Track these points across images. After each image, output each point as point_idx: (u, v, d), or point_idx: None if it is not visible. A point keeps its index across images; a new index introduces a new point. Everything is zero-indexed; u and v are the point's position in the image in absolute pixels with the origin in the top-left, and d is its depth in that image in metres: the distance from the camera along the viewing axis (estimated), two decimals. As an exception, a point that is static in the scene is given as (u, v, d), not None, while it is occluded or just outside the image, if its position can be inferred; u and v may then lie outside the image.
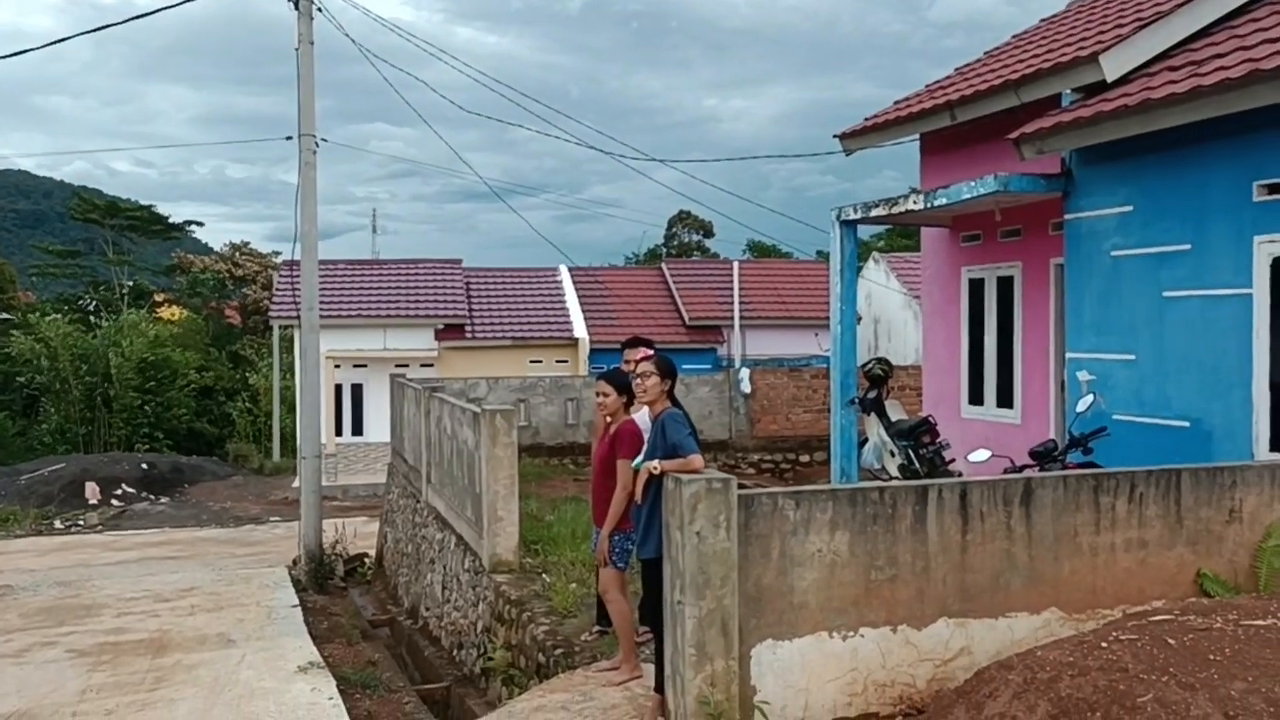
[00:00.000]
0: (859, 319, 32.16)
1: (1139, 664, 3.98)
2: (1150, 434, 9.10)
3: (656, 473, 5.74)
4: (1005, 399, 12.12)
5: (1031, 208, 11.40)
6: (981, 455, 8.07)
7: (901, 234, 52.11)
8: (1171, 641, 4.22)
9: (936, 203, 10.80)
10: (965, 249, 12.80)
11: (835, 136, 13.73)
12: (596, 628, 7.94)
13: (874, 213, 11.82)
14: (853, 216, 12.24)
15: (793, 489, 5.74)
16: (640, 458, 6.17)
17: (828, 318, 31.51)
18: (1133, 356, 9.42)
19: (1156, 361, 9.17)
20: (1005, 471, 7.95)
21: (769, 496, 5.64)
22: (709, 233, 62.64)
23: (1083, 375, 9.99)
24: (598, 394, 7.04)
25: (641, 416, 7.18)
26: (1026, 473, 7.98)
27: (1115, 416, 9.59)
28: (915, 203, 11.09)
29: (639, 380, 6.19)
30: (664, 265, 34.15)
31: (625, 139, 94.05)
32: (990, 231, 12.30)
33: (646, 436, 7.07)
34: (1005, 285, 12.12)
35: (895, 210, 11.45)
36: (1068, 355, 10.21)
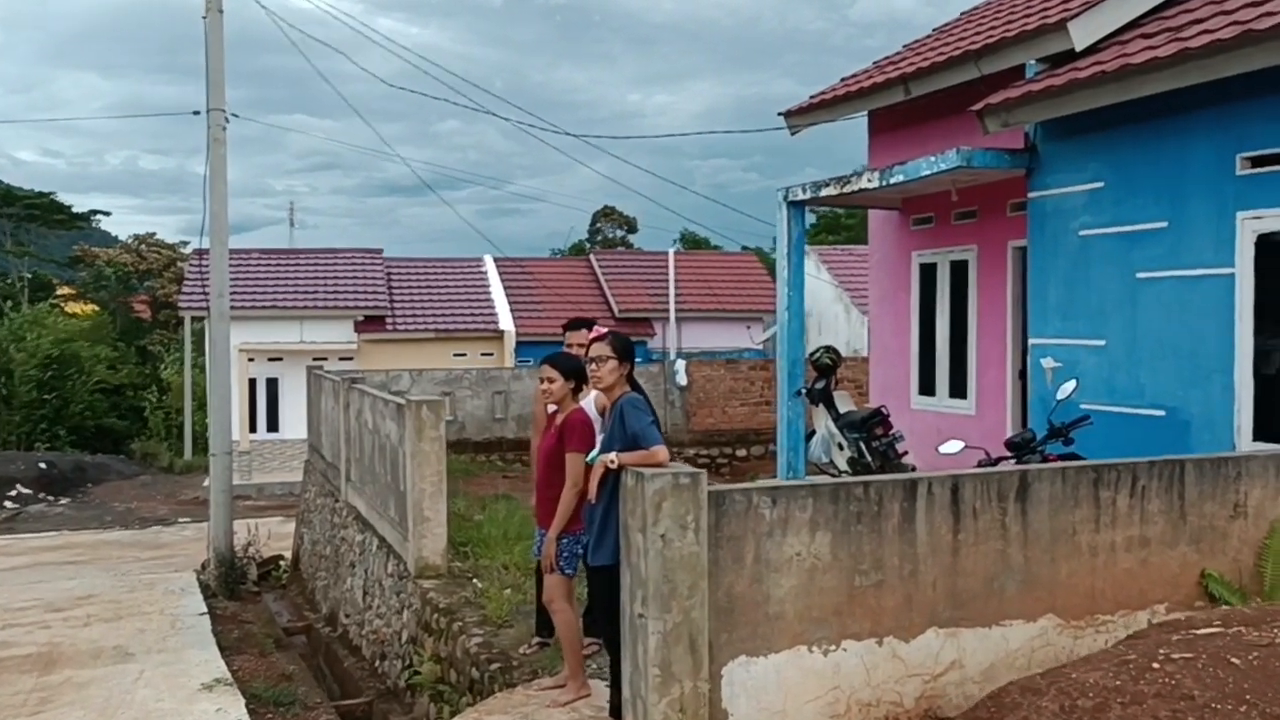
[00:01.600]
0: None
1: (1205, 689, 3.37)
2: (1122, 424, 8.59)
3: (614, 467, 5.00)
4: (958, 389, 11.60)
5: (989, 188, 10.87)
6: (954, 446, 7.49)
7: (828, 229, 52.09)
8: (1235, 661, 3.61)
9: (893, 180, 10.20)
10: (916, 232, 12.25)
11: (780, 114, 13.11)
12: (536, 639, 7.17)
13: (824, 192, 11.20)
14: (801, 197, 11.61)
15: (769, 484, 5.04)
16: (595, 450, 5.42)
17: (760, 310, 31.21)
18: (1102, 342, 8.91)
19: (1129, 347, 8.67)
20: (980, 464, 7.37)
21: (742, 494, 4.93)
22: (633, 228, 62.27)
23: (1047, 363, 9.47)
24: (541, 380, 6.27)
25: (588, 404, 6.44)
26: (1002, 465, 7.41)
27: (1083, 405, 9.06)
28: (870, 180, 10.49)
29: (594, 365, 5.44)
30: (592, 256, 33.40)
31: (545, 142, 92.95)
32: (943, 214, 11.76)
33: (597, 427, 6.35)
34: (959, 270, 11.60)
35: (848, 189, 10.84)
36: (1031, 342, 9.68)
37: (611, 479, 5.10)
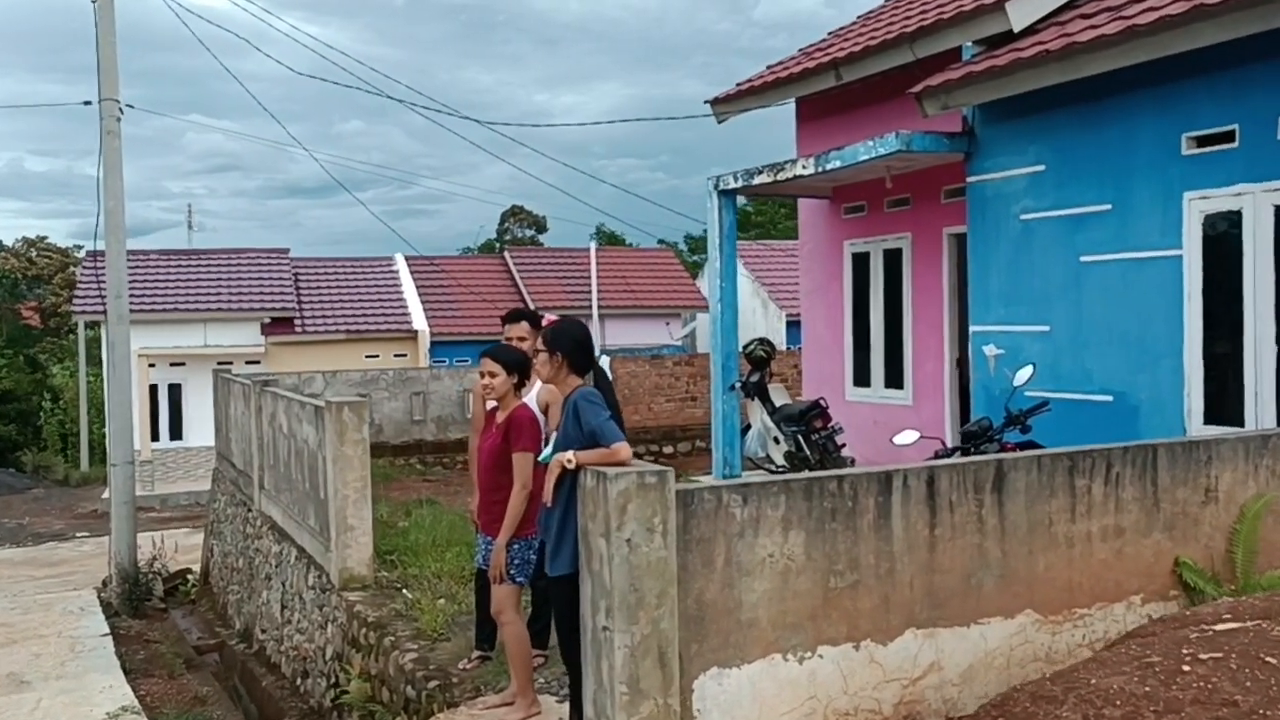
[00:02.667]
0: (706, 307, 31.71)
1: (1247, 694, 3.09)
2: (1069, 411, 8.43)
3: (571, 467, 4.58)
4: (894, 379, 11.41)
5: (922, 174, 10.70)
6: (909, 437, 7.24)
7: (740, 225, 52.26)
8: (1271, 660, 3.34)
9: (829, 166, 9.94)
10: (848, 221, 12.04)
11: (706, 103, 12.79)
12: (477, 653, 6.71)
13: (757, 180, 10.90)
14: (732, 185, 11.30)
15: (739, 481, 4.67)
16: (548, 449, 4.99)
17: (678, 306, 30.94)
18: (1046, 328, 8.76)
19: (1074, 332, 8.52)
20: (936, 454, 7.11)
21: (711, 492, 4.56)
22: (542, 227, 61.88)
23: (989, 350, 9.30)
24: (482, 374, 5.82)
25: (529, 400, 6.02)
26: (958, 455, 7.18)
27: (1028, 393, 8.89)
28: (805, 167, 10.21)
29: (540, 361, 5.01)
30: (507, 253, 32.81)
31: (456, 134, 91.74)
32: (875, 202, 11.56)
33: (541, 423, 5.93)
34: (893, 258, 11.41)
35: (782, 176, 10.55)
36: (972, 329, 9.50)
37: (568, 480, 4.69)
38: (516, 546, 5.68)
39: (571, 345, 5.00)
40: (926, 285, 10.93)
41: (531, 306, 29.44)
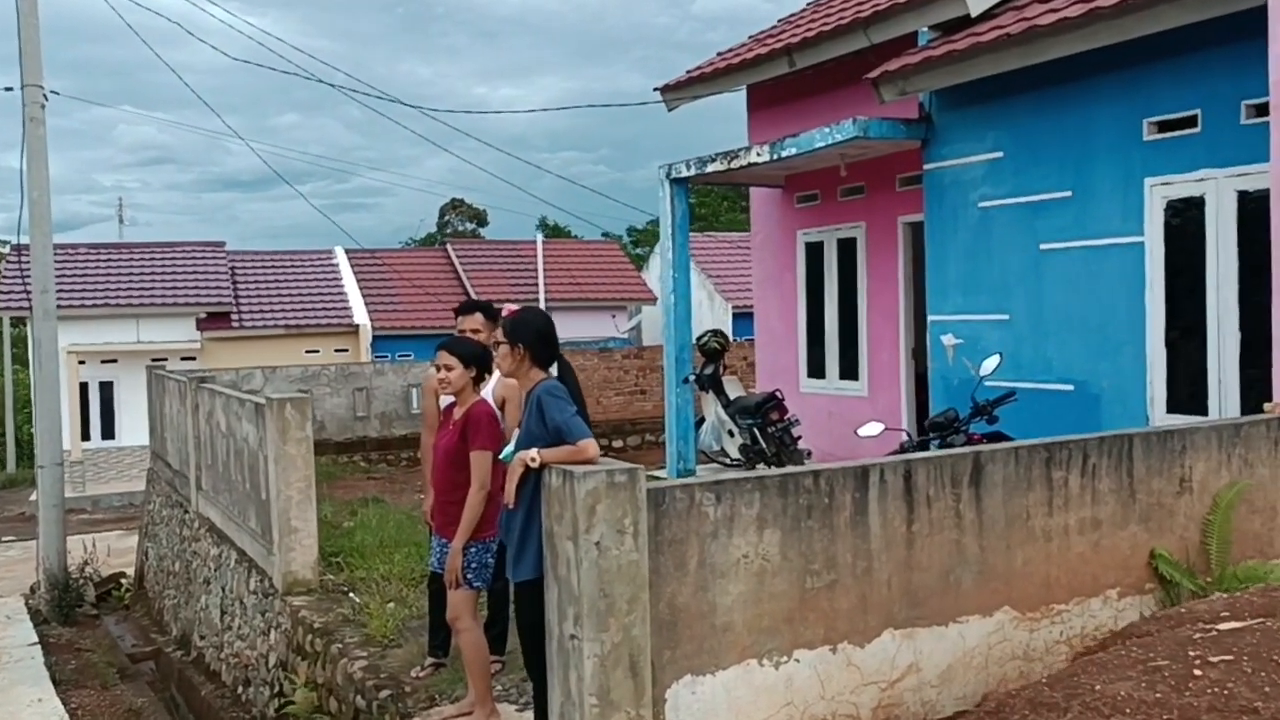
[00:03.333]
0: (653, 300, 31.51)
1: (1268, 700, 2.92)
2: (1030, 400, 8.30)
3: (535, 466, 4.31)
4: (849, 370, 11.27)
5: (877, 162, 10.56)
6: (874, 429, 7.06)
7: (698, 216, 51.86)
8: (1281, 660, 3.19)
9: (785, 153, 9.75)
10: (800, 210, 11.87)
11: (657, 89, 12.56)
12: (430, 660, 6.42)
13: (710, 168, 10.69)
14: (684, 174, 11.07)
15: (712, 478, 4.44)
16: (510, 447, 4.71)
17: (624, 299, 30.66)
18: (1006, 316, 8.65)
19: (1034, 320, 8.42)
20: (902, 447, 6.95)
21: (684, 490, 4.32)
22: (482, 221, 61.33)
23: (947, 339, 9.18)
24: (438, 368, 5.53)
25: (486, 394, 5.74)
26: (932, 447, 7.02)
27: (988, 383, 8.78)
28: (760, 155, 10.01)
29: (500, 354, 4.74)
30: (449, 246, 32.30)
31: (394, 126, 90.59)
32: (829, 191, 11.41)
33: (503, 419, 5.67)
34: (847, 248, 11.26)
35: (736, 164, 10.34)
36: (930, 318, 9.37)
37: (532, 480, 4.42)
38: (474, 550, 5.40)
39: (534, 336, 4.72)
40: (881, 275, 10.80)
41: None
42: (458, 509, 5.41)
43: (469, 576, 5.39)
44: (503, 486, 5.71)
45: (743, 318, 28.52)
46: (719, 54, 12.43)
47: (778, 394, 10.60)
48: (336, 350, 27.15)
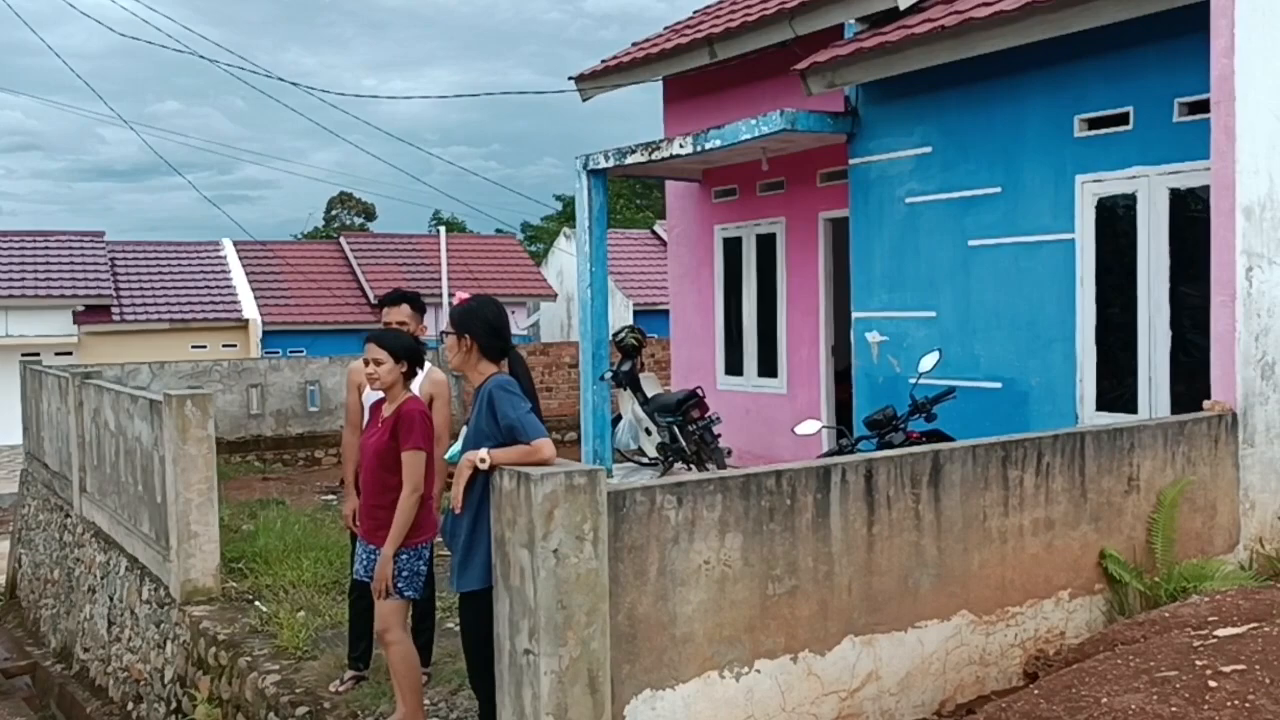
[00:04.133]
0: (553, 296, 31.11)
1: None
2: (957, 398, 8.25)
3: (484, 467, 3.98)
4: (768, 368, 11.13)
5: (798, 157, 10.42)
6: (810, 427, 6.88)
7: (576, 214, 51.47)
8: (1299, 669, 3.06)
9: (709, 145, 9.54)
10: (719, 205, 11.69)
11: (570, 79, 12.24)
12: (350, 673, 6.01)
13: (630, 160, 10.42)
14: (603, 165, 10.79)
15: (672, 480, 4.17)
16: (456, 446, 4.36)
17: (524, 294, 30.18)
18: (933, 313, 8.57)
19: (961, 318, 8.36)
20: (840, 445, 6.78)
21: (644, 493, 4.05)
22: (371, 215, 60.27)
23: (872, 336, 9.08)
24: (366, 361, 5.14)
25: (414, 389, 5.37)
26: (863, 446, 6.87)
27: (913, 380, 8.71)
28: (682, 146, 9.78)
29: (448, 346, 4.40)
30: (343, 239, 31.38)
31: (280, 117, 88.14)
32: (748, 185, 11.25)
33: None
34: (766, 244, 11.11)
35: (657, 155, 10.09)
36: (854, 315, 9.26)
37: (481, 483, 4.09)
38: (405, 557, 5.03)
39: (483, 327, 4.37)
40: (801, 271, 10.67)
41: (370, 295, 28.22)
42: (387, 513, 5.04)
43: (400, 586, 5.02)
44: (440, 489, 5.39)
45: (644, 315, 28.34)
46: (635, 44, 12.18)
47: (698, 391, 10.39)
48: (224, 345, 26.13)
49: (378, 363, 5.08)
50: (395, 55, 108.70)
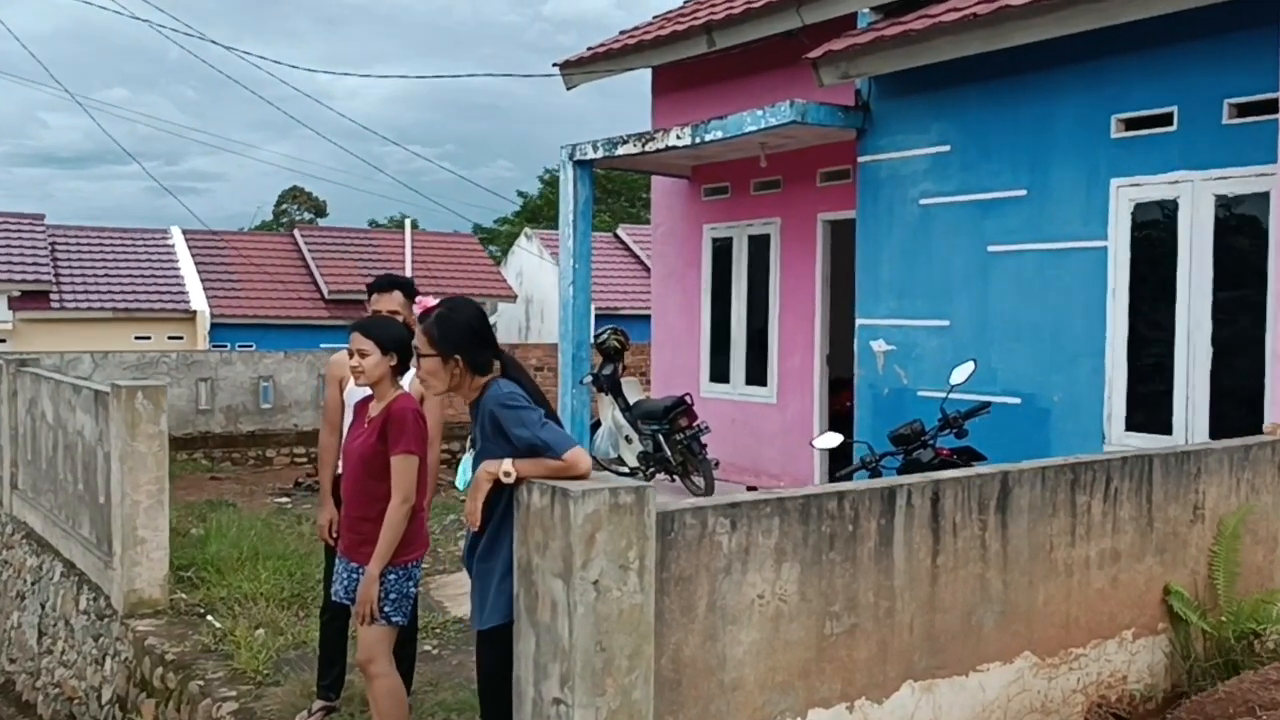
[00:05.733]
0: (513, 297, 30.41)
1: None
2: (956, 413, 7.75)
3: (509, 480, 3.35)
4: (757, 375, 10.58)
5: (796, 155, 9.90)
6: (831, 440, 6.33)
7: (532, 216, 50.71)
8: None
9: (709, 137, 8.97)
10: (709, 204, 11.13)
11: (555, 65, 11.62)
12: (319, 703, 5.33)
13: (621, 150, 9.82)
14: (590, 156, 10.18)
15: (725, 500, 3.57)
16: (464, 472, 3.68)
17: (482, 294, 29.39)
18: (946, 322, 8.07)
19: (978, 328, 7.86)
20: (864, 462, 6.23)
21: (695, 515, 3.44)
22: (321, 211, 59.27)
23: (878, 345, 8.56)
24: (351, 353, 4.48)
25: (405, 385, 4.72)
26: (886, 460, 6.33)
27: (921, 392, 8.21)
28: (680, 137, 9.20)
29: (427, 370, 3.72)
30: (297, 232, 30.40)
31: (230, 110, 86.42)
32: (741, 183, 10.70)
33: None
34: (759, 245, 10.57)
35: (651, 147, 9.51)
36: (858, 322, 8.73)
37: (503, 500, 3.45)
38: (393, 577, 4.38)
39: (469, 339, 3.62)
40: (797, 275, 10.13)
41: (324, 290, 27.33)
42: (372, 526, 4.39)
43: (387, 610, 4.37)
44: (430, 500, 4.75)
45: (604, 318, 27.71)
46: (623, 32, 11.60)
47: (687, 398, 9.80)
48: (170, 337, 25.07)
49: (363, 354, 4.43)
50: (350, 52, 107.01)
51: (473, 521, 3.41)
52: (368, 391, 4.72)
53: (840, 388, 10.34)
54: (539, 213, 51.67)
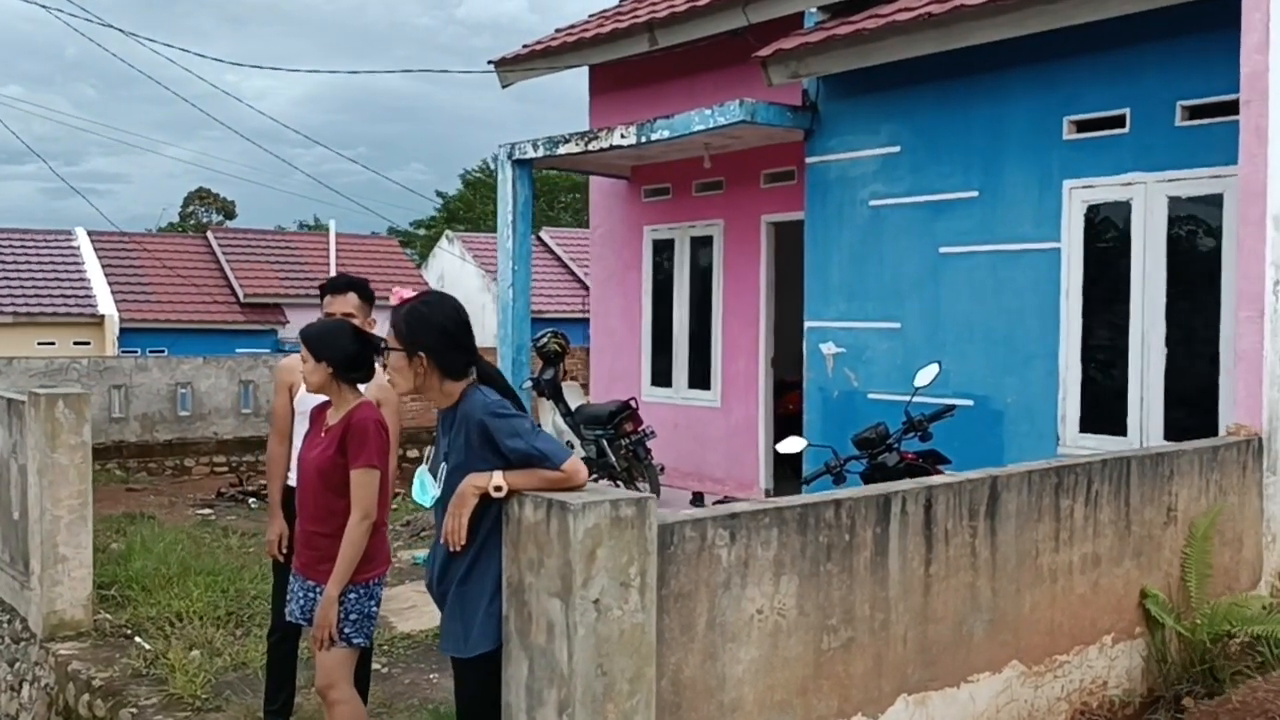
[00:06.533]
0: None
1: None
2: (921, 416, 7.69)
3: (501, 494, 3.12)
4: (700, 379, 10.43)
5: (739, 156, 9.78)
6: (795, 445, 6.18)
7: (452, 218, 50.06)
8: None
9: (655, 136, 8.80)
10: (649, 205, 10.95)
11: (490, 63, 11.35)
12: (266, 730, 5.03)
13: (562, 149, 9.60)
14: (530, 155, 9.94)
15: (724, 510, 3.39)
16: (428, 487, 3.43)
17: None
18: (897, 325, 8.00)
19: (929, 330, 7.80)
20: (829, 466, 6.10)
21: (694, 527, 3.25)
22: (230, 213, 58.02)
23: (827, 348, 8.47)
24: (305, 359, 4.19)
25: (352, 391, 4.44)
26: (850, 464, 6.20)
27: (872, 395, 8.15)
28: (625, 136, 9.01)
29: (394, 367, 3.46)
30: (210, 234, 29.54)
31: (132, 110, 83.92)
32: (683, 184, 10.55)
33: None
34: (702, 247, 10.43)
35: (594, 146, 9.30)
36: (807, 325, 8.63)
37: (489, 516, 3.21)
38: (353, 596, 4.11)
39: (440, 340, 3.36)
40: (741, 277, 10.01)
41: (239, 292, 26.55)
42: (331, 542, 4.12)
43: (347, 631, 4.09)
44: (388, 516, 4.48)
45: (535, 322, 27.45)
46: (558, 30, 11.38)
47: (632, 403, 9.61)
48: (76, 343, 24.10)
49: (305, 360, 4.15)
50: (257, 51, 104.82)
51: (456, 540, 3.16)
52: (322, 398, 4.45)
53: (784, 390, 10.25)
54: (457, 215, 51.07)
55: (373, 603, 4.19)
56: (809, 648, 3.56)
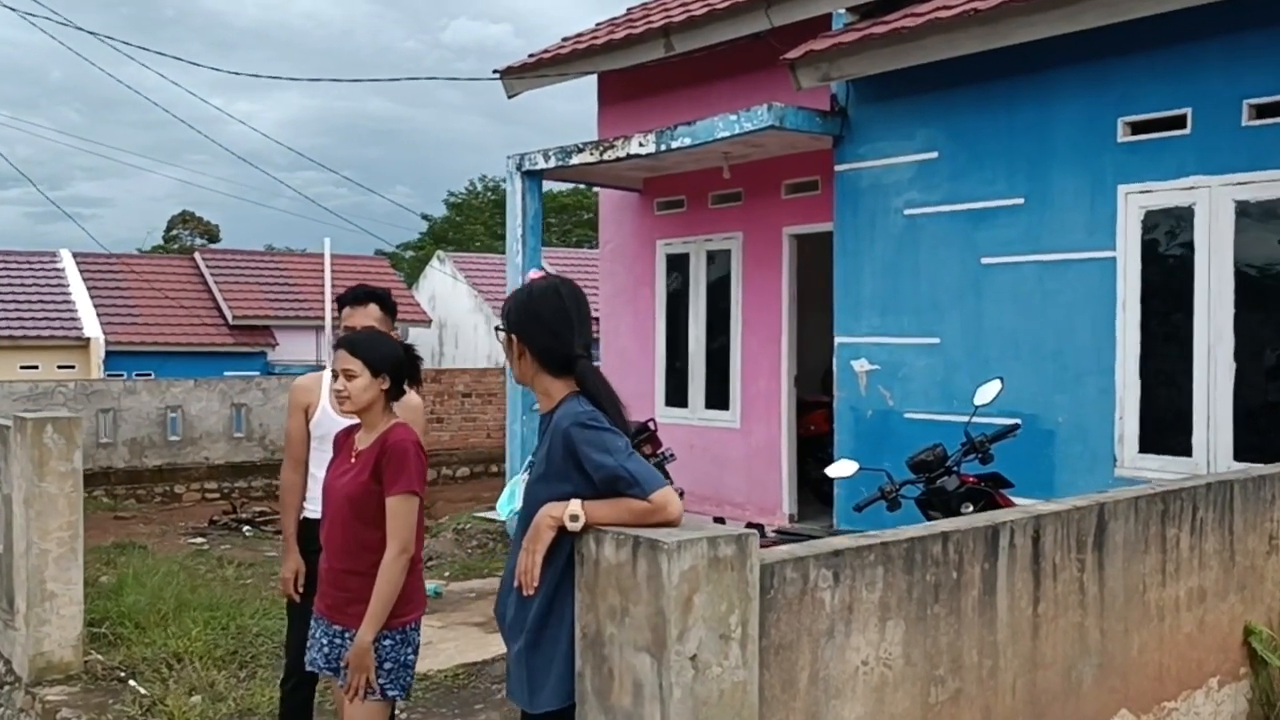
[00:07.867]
0: (427, 322, 29.43)
1: None
2: (961, 436, 7.26)
3: (576, 527, 2.67)
4: (718, 399, 9.98)
5: (758, 166, 9.38)
6: (847, 468, 5.75)
7: (439, 238, 49.55)
8: None
9: (675, 144, 8.38)
10: (662, 218, 10.53)
11: (495, 72, 10.95)
12: (278, 789, 4.54)
13: (575, 159, 9.17)
14: (541, 166, 9.51)
15: (825, 548, 2.93)
16: (511, 500, 3.00)
17: (399, 320, 28.34)
18: (935, 340, 7.58)
19: (971, 345, 7.38)
20: (882, 491, 5.65)
21: (795, 568, 2.80)
22: (214, 236, 57.71)
23: (860, 365, 8.04)
24: (336, 373, 3.74)
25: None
26: (905, 489, 5.76)
27: (909, 415, 7.72)
28: (643, 145, 8.59)
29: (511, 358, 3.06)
30: (198, 255, 29.01)
31: (118, 133, 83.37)
32: (698, 196, 10.14)
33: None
34: (719, 261, 10.00)
35: (610, 155, 8.88)
36: (837, 341, 8.20)
37: (566, 551, 2.76)
38: (389, 643, 3.65)
39: (531, 322, 2.99)
40: (761, 292, 9.59)
41: (228, 315, 25.98)
42: (362, 581, 3.65)
43: (381, 682, 3.62)
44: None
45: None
46: (565, 39, 10.99)
47: (650, 424, 9.13)
48: (60, 366, 23.51)
49: (350, 376, 3.69)
50: (244, 77, 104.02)
51: (529, 581, 2.71)
52: (343, 421, 4.00)
53: (806, 410, 9.82)
54: (444, 237, 50.63)
55: (410, 650, 3.73)
56: (916, 702, 3.11)
